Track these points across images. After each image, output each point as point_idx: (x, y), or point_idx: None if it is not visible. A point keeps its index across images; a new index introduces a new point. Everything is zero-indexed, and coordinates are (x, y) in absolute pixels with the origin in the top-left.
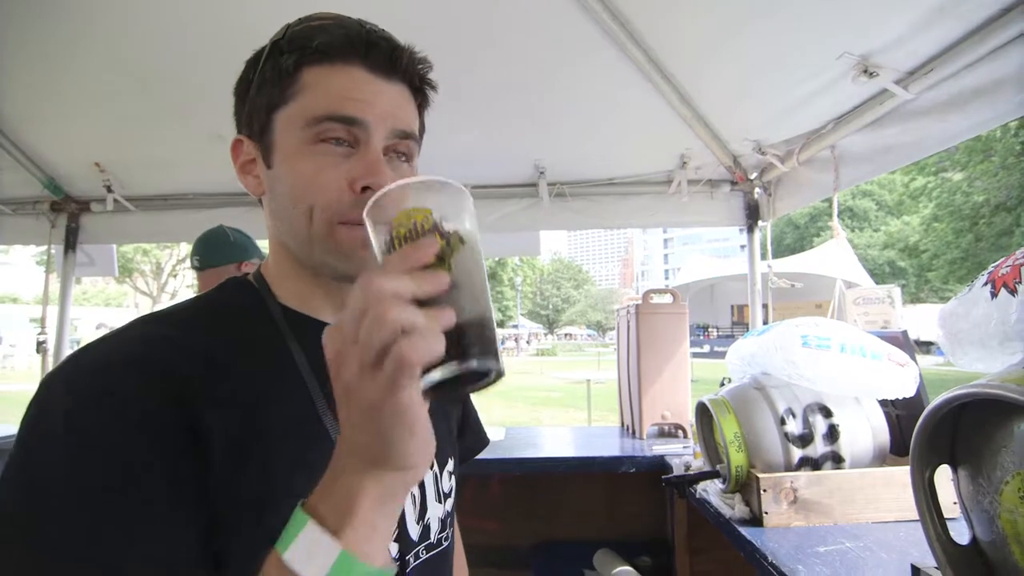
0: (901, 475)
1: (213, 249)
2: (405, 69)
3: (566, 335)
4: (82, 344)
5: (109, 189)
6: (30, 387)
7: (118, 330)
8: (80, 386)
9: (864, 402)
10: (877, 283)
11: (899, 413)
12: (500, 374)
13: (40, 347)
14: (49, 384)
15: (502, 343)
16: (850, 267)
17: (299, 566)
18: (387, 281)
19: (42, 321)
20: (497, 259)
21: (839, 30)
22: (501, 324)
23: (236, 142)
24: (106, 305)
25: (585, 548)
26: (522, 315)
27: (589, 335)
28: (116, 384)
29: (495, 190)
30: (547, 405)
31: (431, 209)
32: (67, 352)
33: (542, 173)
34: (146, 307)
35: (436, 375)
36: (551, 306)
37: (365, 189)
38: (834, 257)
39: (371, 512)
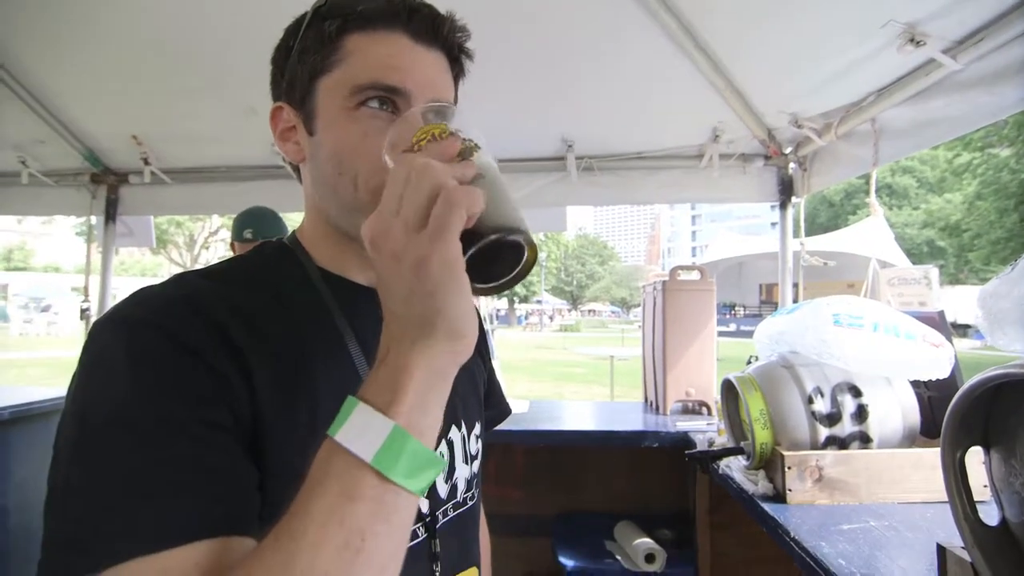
0: (931, 457)
1: (268, 223)
2: (446, 37)
3: (590, 311)
4: None
5: (146, 162)
6: (74, 352)
7: (164, 284)
8: (130, 319)
9: (895, 383)
10: (914, 263)
11: (931, 395)
12: (533, 246)
13: (84, 314)
14: (102, 325)
15: (525, 317)
16: (886, 246)
17: (352, 444)
18: (421, 157)
19: (85, 290)
20: None
21: None
22: (525, 299)
23: (276, 109)
24: (142, 275)
25: (606, 519)
26: (546, 291)
27: (613, 312)
28: (163, 316)
29: (522, 163)
30: (570, 380)
31: (445, 124)
32: None
33: (570, 147)
34: None
35: (475, 246)
36: (575, 282)
37: None
38: (870, 236)
39: (422, 389)
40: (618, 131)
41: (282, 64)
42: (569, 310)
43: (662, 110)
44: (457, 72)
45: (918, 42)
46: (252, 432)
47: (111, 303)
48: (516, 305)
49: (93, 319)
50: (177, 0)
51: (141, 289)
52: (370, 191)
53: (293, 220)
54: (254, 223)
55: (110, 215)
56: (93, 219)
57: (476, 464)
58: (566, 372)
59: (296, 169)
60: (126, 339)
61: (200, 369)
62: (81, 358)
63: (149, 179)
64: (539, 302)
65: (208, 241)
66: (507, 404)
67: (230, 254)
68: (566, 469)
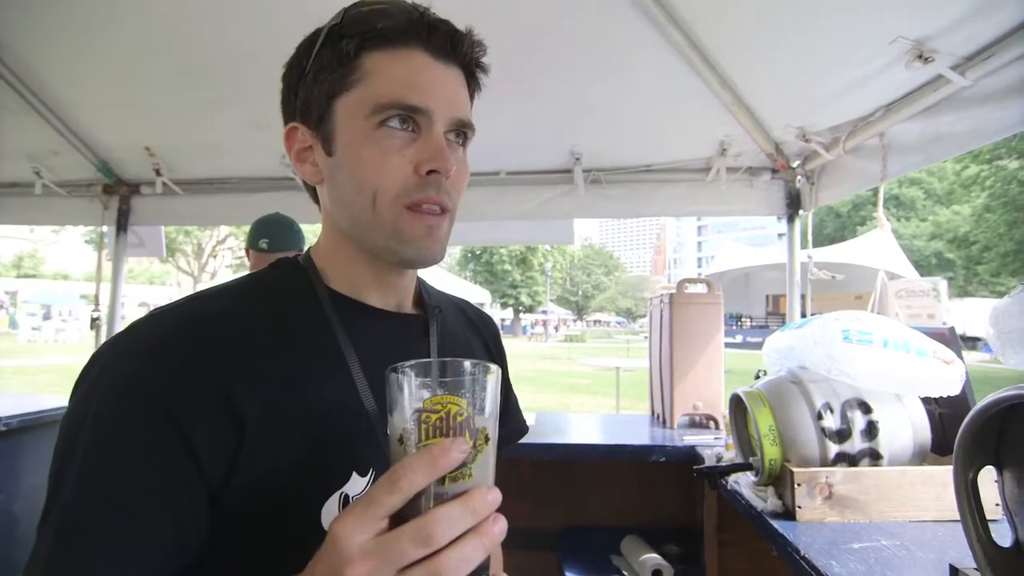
0: (942, 474)
1: (283, 233)
2: (464, 53)
3: (595, 322)
4: (128, 321)
5: (158, 173)
6: (81, 359)
7: (174, 306)
8: (116, 371)
9: (906, 399)
10: (922, 275)
11: (943, 411)
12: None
13: (94, 323)
14: (95, 361)
15: (531, 327)
16: (894, 258)
17: None
18: (409, 485)
19: (96, 299)
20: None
21: (893, 13)
22: (530, 310)
23: (291, 130)
24: (150, 283)
25: (613, 534)
26: (551, 301)
27: (619, 322)
28: (145, 376)
29: (530, 176)
30: (576, 391)
31: (466, 401)
32: (119, 327)
33: (578, 159)
34: (188, 286)
35: None
36: (581, 292)
37: (430, 172)
38: (877, 247)
39: None
40: (626, 144)
41: (295, 84)
42: (574, 320)
43: (669, 124)
44: (473, 87)
45: (926, 58)
46: (226, 478)
47: (121, 312)
48: (521, 315)
49: (104, 328)
50: (190, 15)
51: (150, 318)
52: (390, 209)
53: (306, 231)
54: (270, 233)
55: (122, 225)
56: (104, 229)
57: None
58: (571, 383)
59: (312, 190)
60: (112, 397)
61: (174, 442)
62: (77, 387)
63: (161, 190)
64: (544, 312)
65: (216, 250)
66: (524, 421)
67: (236, 263)
68: (573, 483)
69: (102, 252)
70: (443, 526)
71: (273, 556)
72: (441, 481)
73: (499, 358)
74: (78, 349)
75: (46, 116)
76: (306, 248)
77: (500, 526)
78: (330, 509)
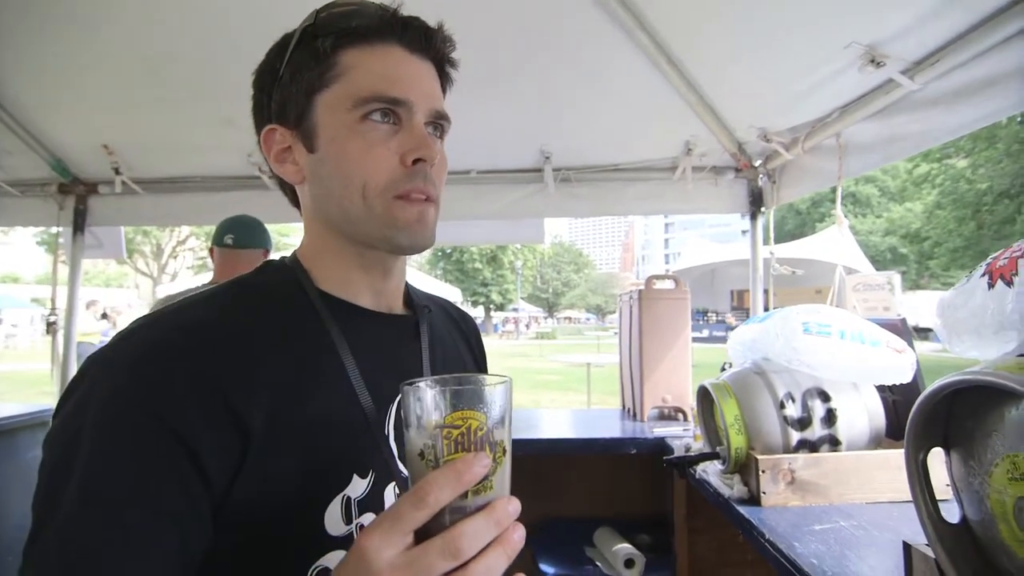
0: (896, 458)
1: (249, 231)
2: (436, 48)
3: (566, 318)
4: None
5: (117, 171)
6: (31, 366)
7: (162, 315)
8: (111, 386)
9: (862, 387)
10: (878, 269)
11: (896, 398)
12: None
13: (50, 328)
14: (82, 377)
15: (502, 325)
16: (851, 253)
17: None
18: (435, 500)
19: (52, 302)
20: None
21: (847, 19)
22: (501, 307)
23: (268, 132)
24: (107, 285)
25: (586, 525)
26: (522, 299)
27: (589, 319)
28: (144, 389)
29: (500, 175)
30: (547, 388)
31: (486, 416)
32: (76, 333)
33: (548, 159)
34: (146, 288)
35: None
36: (551, 290)
37: (416, 162)
38: (835, 243)
39: None
40: (595, 144)
41: (268, 87)
42: (545, 317)
43: (637, 124)
44: (445, 82)
45: (878, 63)
46: (230, 486)
47: (79, 316)
48: (492, 313)
49: (61, 332)
50: (152, 10)
51: (139, 329)
52: (380, 199)
53: (276, 233)
54: (236, 230)
55: (78, 226)
56: (58, 230)
57: None
58: (543, 380)
59: (292, 192)
60: (110, 413)
61: (179, 456)
62: (63, 404)
63: (120, 189)
64: (515, 310)
65: (176, 250)
66: None
67: (198, 264)
68: (546, 477)
69: (56, 253)
70: (470, 539)
71: (276, 562)
72: (463, 495)
73: (480, 356)
74: (30, 355)
75: None
76: (271, 248)
77: (520, 533)
78: (333, 512)
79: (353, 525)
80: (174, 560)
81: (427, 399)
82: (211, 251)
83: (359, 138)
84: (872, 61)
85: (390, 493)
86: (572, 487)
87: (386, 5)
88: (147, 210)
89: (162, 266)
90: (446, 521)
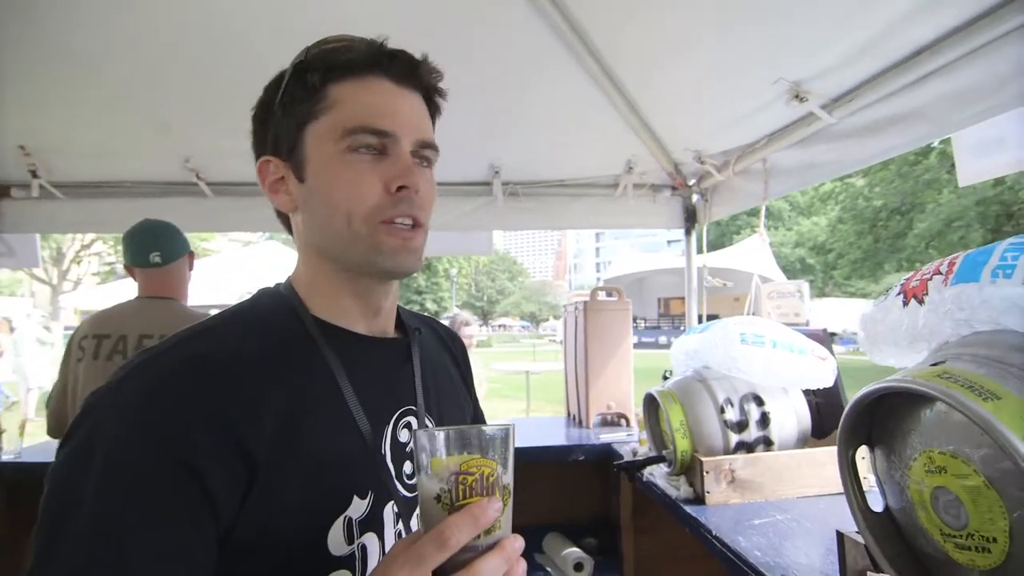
0: (822, 455)
1: (172, 243)
2: (421, 78)
3: (500, 326)
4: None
5: (35, 174)
6: None
7: (163, 351)
8: (121, 419)
9: (791, 392)
10: (789, 278)
11: (819, 401)
12: None
13: None
14: (89, 412)
15: None
16: (766, 263)
17: None
18: (456, 543)
19: None
20: None
21: (777, 58)
22: (436, 315)
23: (263, 163)
24: None
25: (535, 532)
26: (457, 306)
27: (523, 326)
28: (155, 422)
29: (451, 187)
30: (488, 396)
31: (496, 463)
32: None
33: (497, 172)
34: (43, 296)
35: None
36: (486, 297)
37: (400, 189)
38: (752, 254)
39: None
40: (542, 159)
41: (265, 120)
42: (480, 325)
43: (582, 142)
44: (434, 111)
45: (802, 98)
46: (238, 515)
47: None
48: None
49: None
50: (80, 5)
51: (146, 363)
52: (366, 225)
53: (196, 239)
54: (160, 245)
55: None
56: None
57: None
58: (484, 388)
59: (286, 219)
60: (121, 446)
61: (190, 488)
62: (70, 432)
63: (37, 193)
64: (450, 318)
65: (80, 255)
66: None
67: (105, 269)
68: None
69: None
70: None
71: None
72: (477, 535)
73: (467, 373)
74: None
75: None
76: (191, 249)
77: (522, 567)
78: (335, 533)
79: (355, 545)
80: None
81: (440, 447)
82: (129, 270)
83: (346, 168)
84: (796, 96)
85: (389, 512)
86: (519, 494)
87: (373, 40)
88: (68, 216)
89: (63, 272)
90: (460, 558)
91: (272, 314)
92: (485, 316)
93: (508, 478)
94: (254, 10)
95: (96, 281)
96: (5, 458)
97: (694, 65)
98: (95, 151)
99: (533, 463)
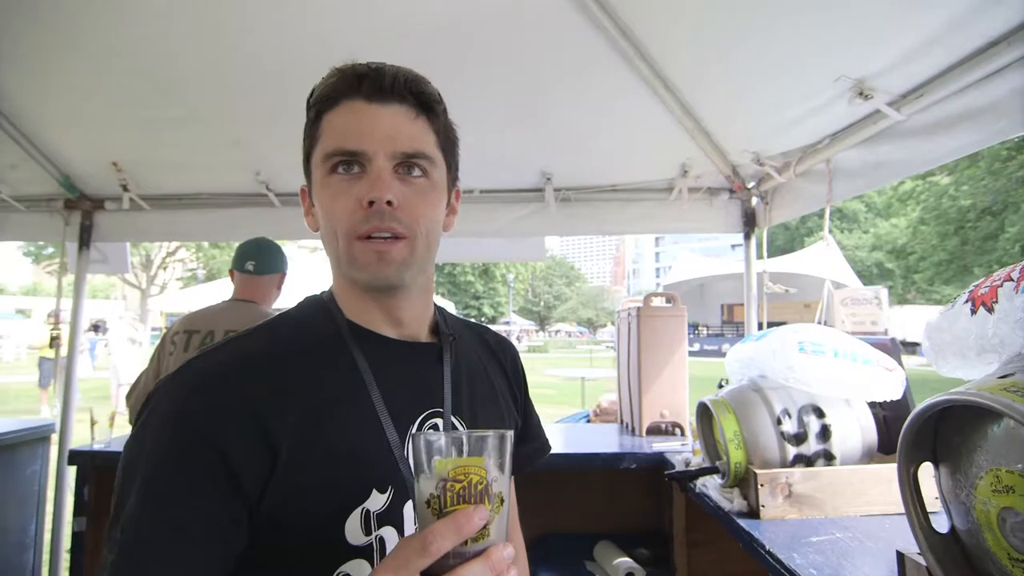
0: (888, 472)
1: (268, 258)
2: (397, 90)
3: (557, 332)
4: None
5: (125, 188)
6: (16, 379)
7: (217, 347)
8: (168, 406)
9: (854, 404)
10: (865, 284)
11: (887, 414)
12: None
13: (54, 343)
14: (152, 396)
15: None
16: (838, 268)
17: None
18: (437, 549)
19: (56, 317)
20: None
21: (837, 55)
22: (493, 320)
23: (302, 190)
24: (93, 296)
25: (585, 540)
26: (514, 312)
27: (580, 332)
28: (192, 410)
29: (502, 195)
30: (541, 402)
31: (486, 470)
32: (81, 347)
33: (548, 179)
34: (134, 299)
35: None
36: (543, 303)
37: (371, 204)
38: (823, 258)
39: None
40: (594, 165)
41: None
42: (537, 331)
43: (635, 146)
44: (428, 115)
45: (866, 95)
46: (261, 495)
47: (83, 329)
48: None
49: (64, 347)
50: (163, 31)
51: (199, 358)
52: (345, 242)
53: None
54: (257, 257)
55: (84, 241)
56: (41, 243)
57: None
58: (539, 394)
59: None
60: (164, 429)
61: (217, 468)
62: (138, 417)
63: (128, 205)
64: (507, 323)
65: (166, 262)
66: (546, 440)
67: (187, 275)
68: (545, 492)
69: (61, 268)
70: None
71: (300, 568)
72: (464, 541)
73: (516, 381)
74: (14, 368)
75: (5, 128)
76: (286, 271)
77: (512, 575)
78: (352, 523)
79: (372, 536)
80: (215, 558)
81: (433, 451)
82: (231, 273)
83: (327, 190)
84: (860, 94)
85: (409, 509)
86: (571, 502)
87: (350, 64)
88: (153, 226)
89: (151, 277)
90: (448, 563)
91: (311, 317)
92: (542, 321)
93: (501, 486)
94: (315, 36)
95: (179, 286)
96: (97, 447)
97: (750, 64)
98: (177, 166)
99: (583, 470)
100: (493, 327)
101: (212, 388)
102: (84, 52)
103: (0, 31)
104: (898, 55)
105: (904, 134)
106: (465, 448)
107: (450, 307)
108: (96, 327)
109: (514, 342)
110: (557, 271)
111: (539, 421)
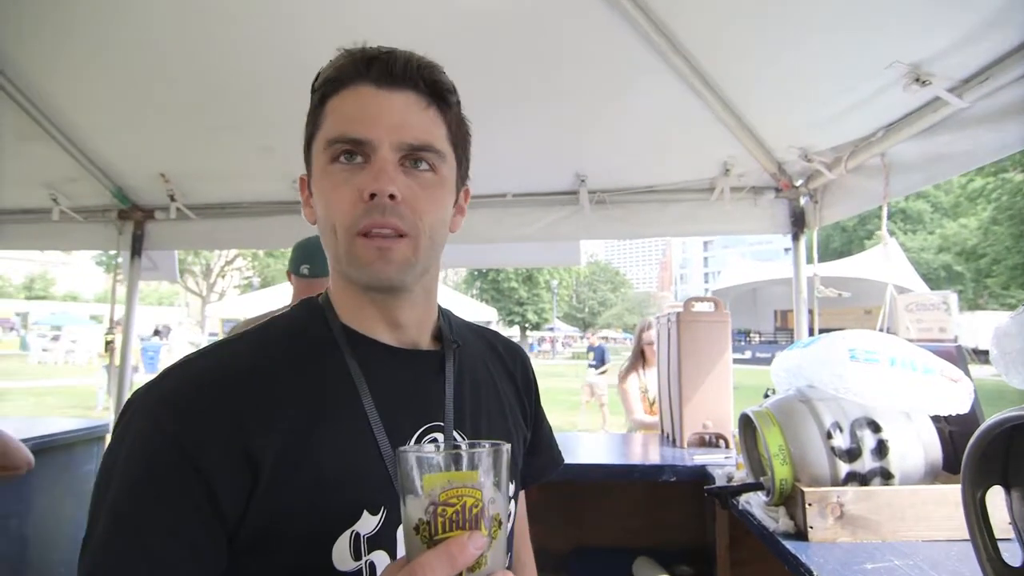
0: (954, 493)
1: (322, 260)
2: (409, 76)
3: (602, 338)
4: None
5: (172, 198)
6: (86, 381)
7: (198, 356)
8: (143, 419)
9: (915, 417)
10: (932, 288)
11: (952, 429)
12: None
13: (108, 347)
14: (128, 408)
15: (537, 344)
16: (902, 271)
17: None
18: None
19: (110, 322)
20: None
21: (888, 39)
22: (537, 327)
23: (301, 180)
24: (159, 303)
25: (624, 555)
26: (558, 318)
27: (626, 338)
28: (168, 425)
29: (535, 198)
30: (583, 411)
31: (481, 491)
32: (133, 351)
33: (583, 181)
34: (196, 306)
35: None
36: (587, 309)
37: (372, 196)
38: (885, 261)
39: None
40: (630, 166)
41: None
42: (581, 337)
43: (672, 145)
44: (440, 106)
45: (924, 81)
46: (242, 518)
47: (136, 335)
48: (528, 333)
49: (118, 351)
50: (201, 46)
51: (178, 367)
52: (345, 236)
53: None
54: (311, 259)
55: (136, 250)
56: (112, 252)
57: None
58: (578, 400)
59: None
60: (139, 445)
61: (195, 487)
62: (114, 430)
63: (175, 215)
64: (551, 329)
65: (224, 270)
66: (559, 454)
67: (244, 283)
68: (582, 503)
69: (115, 275)
70: None
71: None
72: (458, 573)
73: (525, 389)
74: (87, 370)
75: (64, 144)
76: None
77: None
78: (340, 548)
79: (362, 561)
80: None
81: (420, 471)
82: (289, 275)
83: (327, 179)
84: (917, 80)
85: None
86: (608, 514)
87: (359, 48)
88: (199, 234)
89: (211, 284)
90: None
91: (303, 321)
92: (586, 328)
93: (498, 507)
94: (349, 41)
95: (237, 293)
96: None
97: (793, 53)
98: (219, 175)
99: (620, 481)
100: (536, 333)
101: (191, 401)
102: (130, 69)
103: (56, 54)
104: (958, 36)
105: (967, 123)
106: (457, 465)
107: (493, 314)
108: (158, 332)
109: (558, 348)
110: (601, 276)
111: (551, 432)
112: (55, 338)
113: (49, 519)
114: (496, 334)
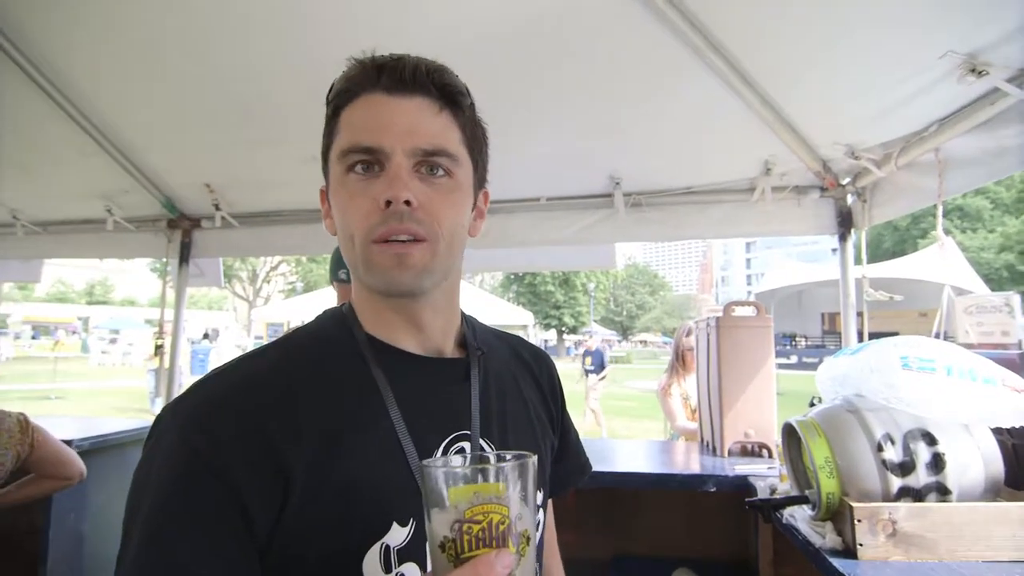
0: (1018, 511)
1: None
2: (419, 81)
3: (641, 342)
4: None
5: (217, 207)
6: (141, 383)
7: (225, 369)
8: (173, 435)
9: (975, 430)
10: (993, 290)
11: (1015, 443)
12: None
13: (158, 351)
14: (158, 423)
15: (575, 348)
16: (960, 272)
17: None
18: None
19: (160, 327)
20: None
21: (941, 27)
22: (574, 330)
23: (321, 192)
24: (209, 308)
25: (662, 565)
26: (595, 321)
27: (665, 342)
28: (197, 441)
29: (569, 201)
30: (620, 415)
31: (507, 507)
32: (183, 354)
33: (617, 184)
34: (243, 310)
35: None
36: (625, 312)
37: (388, 204)
38: (941, 261)
39: None
40: (666, 167)
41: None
42: (619, 341)
43: (710, 145)
44: (453, 110)
45: (980, 72)
46: (274, 531)
47: (184, 339)
48: (565, 336)
49: (167, 355)
50: (244, 58)
51: (206, 381)
52: (362, 245)
53: None
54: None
55: (184, 258)
56: (168, 261)
57: (537, 537)
58: (616, 406)
59: None
60: (170, 460)
61: (226, 503)
62: (145, 444)
63: (220, 224)
64: (588, 333)
65: (269, 275)
66: (586, 461)
67: (288, 288)
68: (620, 511)
69: (165, 282)
70: None
71: None
72: None
73: (551, 396)
74: (142, 372)
75: (117, 158)
76: None
77: None
78: (371, 560)
79: (393, 573)
80: None
81: (444, 486)
82: (333, 283)
83: (344, 189)
84: (973, 70)
85: None
86: (647, 523)
87: (369, 56)
88: (242, 242)
89: (256, 290)
90: None
91: (327, 331)
92: (624, 331)
93: (526, 523)
94: (384, 48)
95: (281, 297)
96: None
97: (836, 48)
98: (260, 184)
99: (658, 490)
100: (573, 337)
101: (220, 416)
102: (176, 82)
103: (112, 78)
104: (1017, 23)
105: None
106: (483, 478)
107: (530, 318)
108: (207, 335)
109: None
110: (639, 279)
111: (578, 439)
112: (113, 341)
113: (103, 516)
114: (521, 340)
